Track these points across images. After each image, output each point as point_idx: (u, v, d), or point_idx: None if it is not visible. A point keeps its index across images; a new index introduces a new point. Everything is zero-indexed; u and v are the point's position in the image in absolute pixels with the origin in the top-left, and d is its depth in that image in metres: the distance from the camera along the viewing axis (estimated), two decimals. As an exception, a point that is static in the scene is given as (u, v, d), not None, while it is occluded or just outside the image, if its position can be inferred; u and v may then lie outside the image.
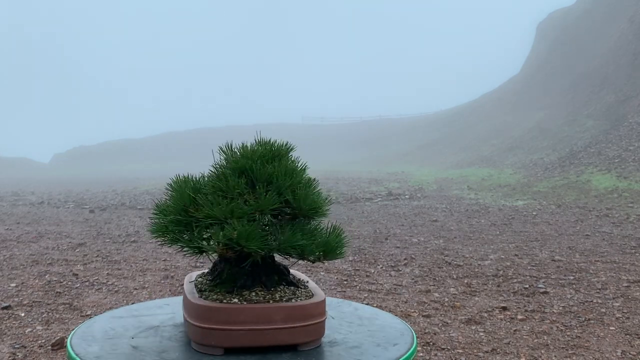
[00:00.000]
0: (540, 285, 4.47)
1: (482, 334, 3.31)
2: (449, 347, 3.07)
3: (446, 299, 4.10)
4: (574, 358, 2.92)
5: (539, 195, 12.43)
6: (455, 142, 31.53)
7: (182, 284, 4.60)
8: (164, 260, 5.67)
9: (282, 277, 1.29)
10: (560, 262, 5.45)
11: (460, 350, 3.03)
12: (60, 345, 3.11)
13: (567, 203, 11.06)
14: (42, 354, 3.00)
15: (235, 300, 1.18)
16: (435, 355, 2.97)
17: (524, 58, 38.64)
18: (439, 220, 8.99)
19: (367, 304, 2.61)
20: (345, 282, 4.65)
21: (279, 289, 1.25)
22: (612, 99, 19.97)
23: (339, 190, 15.88)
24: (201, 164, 40.69)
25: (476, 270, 5.11)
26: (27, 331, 3.38)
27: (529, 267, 5.21)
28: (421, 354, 2.98)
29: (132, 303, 3.11)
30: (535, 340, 3.18)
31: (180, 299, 1.57)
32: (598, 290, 4.31)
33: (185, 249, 1.17)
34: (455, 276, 4.86)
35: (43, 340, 3.22)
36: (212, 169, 1.28)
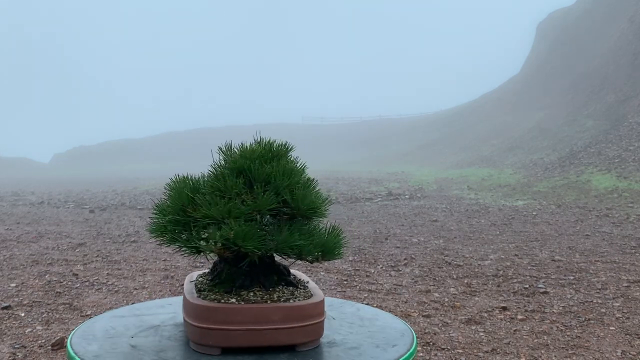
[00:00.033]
0: (540, 285, 4.47)
1: (482, 334, 3.31)
2: (449, 347, 3.07)
3: (446, 299, 4.10)
4: (574, 358, 2.92)
5: (539, 195, 12.43)
6: (455, 142, 31.53)
7: (182, 284, 4.60)
8: (164, 260, 5.67)
9: (282, 278, 1.29)
10: (560, 262, 5.45)
11: (460, 350, 3.03)
12: (60, 345, 3.11)
13: (567, 203, 11.06)
14: (42, 354, 3.00)
15: (233, 300, 1.18)
16: (435, 355, 2.97)
17: (524, 58, 38.64)
18: (439, 220, 8.99)
19: (367, 304, 2.61)
20: (345, 282, 4.65)
21: (278, 289, 1.25)
22: (612, 99, 19.97)
23: (339, 190, 15.88)
24: (201, 164, 40.69)
25: (476, 270, 5.11)
26: (27, 331, 3.38)
27: (529, 267, 5.21)
28: (421, 354, 2.98)
29: (132, 303, 3.11)
30: (535, 340, 3.18)
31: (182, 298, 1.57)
32: (598, 290, 4.31)
33: (183, 249, 1.17)
34: (455, 276, 4.86)
35: (43, 340, 3.21)
36: (211, 169, 1.28)
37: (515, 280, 4.67)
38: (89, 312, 3.80)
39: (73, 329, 2.34)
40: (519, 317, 3.64)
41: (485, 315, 3.69)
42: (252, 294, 1.21)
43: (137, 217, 10.11)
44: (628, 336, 3.25)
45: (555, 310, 3.78)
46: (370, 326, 1.39)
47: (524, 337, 3.25)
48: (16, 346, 3.12)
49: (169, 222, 1.20)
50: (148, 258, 5.82)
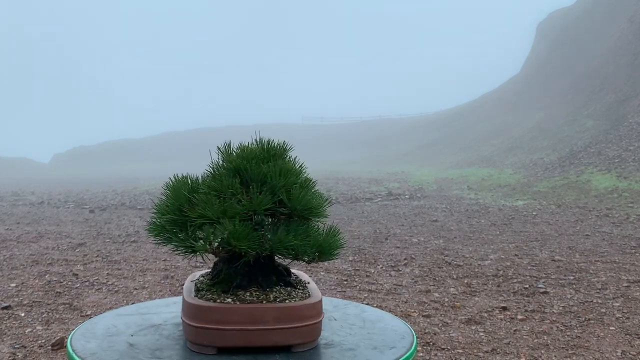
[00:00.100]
0: (540, 285, 4.47)
1: (482, 334, 3.31)
2: (449, 347, 3.07)
3: (446, 299, 4.09)
4: (574, 358, 2.92)
5: (539, 195, 12.43)
6: (455, 142, 31.52)
7: (183, 284, 4.60)
8: (164, 260, 5.67)
9: (281, 278, 1.29)
10: (560, 262, 5.45)
11: (460, 350, 3.03)
12: (60, 345, 3.11)
13: (567, 203, 11.06)
14: (42, 354, 3.00)
15: (229, 300, 1.18)
16: (435, 355, 2.96)
17: (524, 58, 38.64)
18: (439, 220, 8.99)
19: (368, 304, 2.61)
20: (345, 282, 4.65)
21: (275, 290, 1.25)
22: (612, 99, 19.96)
23: (339, 190, 15.88)
24: (201, 164, 40.68)
25: (476, 270, 5.11)
26: (27, 331, 3.38)
27: (529, 267, 5.20)
28: (421, 354, 2.98)
29: (132, 303, 3.10)
30: (535, 340, 3.18)
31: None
32: (598, 290, 4.31)
33: (179, 249, 1.17)
34: (455, 276, 4.86)
35: (43, 340, 3.21)
36: (210, 169, 1.28)
37: (515, 280, 4.67)
38: (89, 312, 3.80)
39: (73, 329, 2.34)
40: (519, 317, 3.64)
41: (485, 315, 3.69)
42: (248, 294, 1.21)
43: (137, 217, 10.11)
44: (628, 336, 3.24)
45: (555, 310, 3.78)
46: (371, 328, 1.38)
47: (524, 337, 3.25)
48: (16, 346, 3.11)
49: (167, 222, 1.20)
50: (148, 258, 5.82)
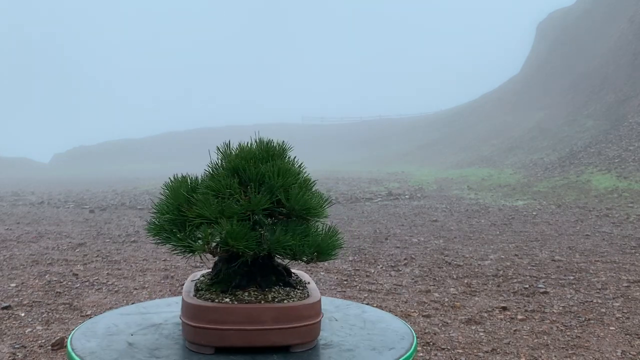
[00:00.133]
0: (540, 285, 4.47)
1: (482, 334, 3.31)
2: (449, 347, 3.07)
3: (446, 299, 4.09)
4: (574, 358, 2.91)
5: (539, 195, 12.43)
6: (455, 142, 31.52)
7: (183, 284, 4.60)
8: (164, 260, 5.66)
9: (280, 278, 1.29)
10: (560, 262, 5.45)
11: (460, 350, 3.02)
12: (60, 345, 3.11)
13: (567, 203, 11.05)
14: (42, 354, 3.00)
15: (227, 299, 1.18)
16: (435, 355, 2.96)
17: (524, 58, 38.63)
18: (439, 220, 8.99)
19: (367, 304, 2.61)
20: (345, 282, 4.65)
21: (274, 290, 1.25)
22: (612, 99, 19.96)
23: (339, 190, 15.88)
24: (201, 164, 40.67)
25: (476, 270, 5.11)
26: (27, 331, 3.38)
27: (529, 267, 5.20)
28: (421, 354, 2.98)
29: (132, 303, 3.10)
30: (535, 340, 3.18)
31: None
32: (598, 290, 4.31)
33: (177, 248, 1.17)
34: (455, 276, 4.86)
35: (43, 340, 3.21)
36: (209, 169, 1.28)
37: (515, 280, 4.67)
38: (89, 312, 3.80)
39: (73, 329, 2.34)
40: (519, 317, 3.63)
41: (485, 315, 3.69)
42: (247, 294, 1.21)
43: (137, 217, 10.11)
44: (628, 336, 3.24)
45: (555, 310, 3.78)
46: (372, 329, 1.38)
47: (524, 337, 3.24)
48: (16, 346, 3.11)
49: (166, 222, 1.20)
50: (148, 258, 5.82)
